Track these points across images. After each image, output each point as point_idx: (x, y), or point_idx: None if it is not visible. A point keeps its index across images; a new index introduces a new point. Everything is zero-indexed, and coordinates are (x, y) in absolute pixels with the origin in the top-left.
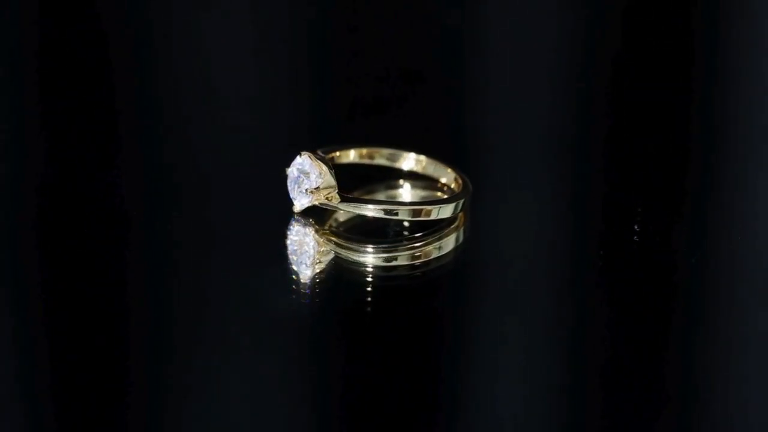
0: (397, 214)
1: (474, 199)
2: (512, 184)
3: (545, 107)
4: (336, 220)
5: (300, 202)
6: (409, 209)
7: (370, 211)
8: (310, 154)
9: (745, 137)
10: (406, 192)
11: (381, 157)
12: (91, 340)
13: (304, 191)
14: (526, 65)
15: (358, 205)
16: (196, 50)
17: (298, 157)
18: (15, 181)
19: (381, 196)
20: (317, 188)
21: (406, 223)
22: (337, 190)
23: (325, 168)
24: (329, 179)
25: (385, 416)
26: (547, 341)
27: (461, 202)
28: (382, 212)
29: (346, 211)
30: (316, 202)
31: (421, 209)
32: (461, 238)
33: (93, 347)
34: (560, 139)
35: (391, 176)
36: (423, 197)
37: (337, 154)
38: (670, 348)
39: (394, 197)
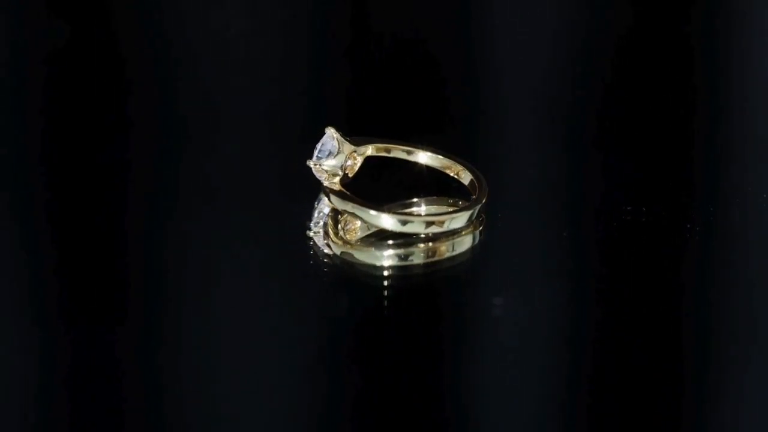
0: (411, 224)
1: (491, 198)
2: (529, 183)
3: (566, 105)
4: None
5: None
6: (422, 221)
7: (385, 221)
8: (335, 130)
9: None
10: (421, 210)
11: (398, 151)
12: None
13: (311, 163)
14: (542, 60)
15: (370, 213)
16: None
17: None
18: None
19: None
20: (320, 164)
21: (423, 236)
22: (339, 178)
23: (344, 148)
24: (334, 162)
25: (395, 416)
26: (559, 342)
27: (475, 210)
28: (399, 223)
29: (354, 219)
30: (320, 178)
31: (434, 220)
32: (477, 239)
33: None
34: (580, 137)
35: (407, 184)
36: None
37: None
38: (680, 348)
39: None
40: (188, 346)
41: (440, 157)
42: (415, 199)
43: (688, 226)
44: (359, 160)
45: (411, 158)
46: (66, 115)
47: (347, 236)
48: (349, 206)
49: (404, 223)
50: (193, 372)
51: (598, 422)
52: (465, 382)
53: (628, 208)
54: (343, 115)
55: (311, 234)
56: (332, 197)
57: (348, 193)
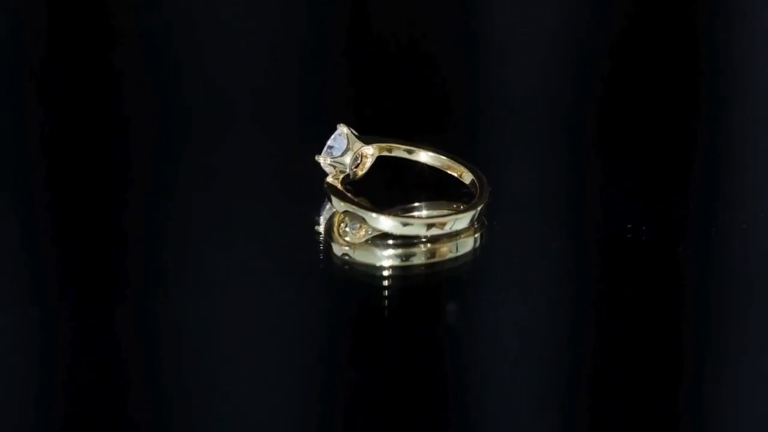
0: (412, 226)
1: (494, 200)
2: (529, 183)
3: (567, 105)
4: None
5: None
6: (423, 223)
7: (385, 223)
8: (346, 126)
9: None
10: (423, 214)
11: (399, 151)
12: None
13: (320, 158)
14: (543, 60)
15: (371, 215)
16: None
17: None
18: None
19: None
20: (329, 160)
21: (424, 238)
22: (345, 175)
23: (353, 146)
24: (343, 158)
25: (394, 417)
26: (559, 343)
27: (477, 212)
28: (400, 225)
29: (352, 224)
30: (329, 173)
31: (435, 222)
32: (479, 240)
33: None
34: (580, 137)
35: (409, 185)
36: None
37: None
38: (680, 350)
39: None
40: (188, 345)
41: (442, 157)
42: (416, 204)
43: (689, 226)
44: (370, 160)
45: (413, 157)
46: (66, 113)
47: (356, 236)
48: (349, 208)
49: (405, 225)
50: (193, 372)
51: (598, 423)
52: (465, 382)
53: (629, 208)
54: (343, 116)
55: (320, 229)
56: (333, 199)
57: (348, 195)
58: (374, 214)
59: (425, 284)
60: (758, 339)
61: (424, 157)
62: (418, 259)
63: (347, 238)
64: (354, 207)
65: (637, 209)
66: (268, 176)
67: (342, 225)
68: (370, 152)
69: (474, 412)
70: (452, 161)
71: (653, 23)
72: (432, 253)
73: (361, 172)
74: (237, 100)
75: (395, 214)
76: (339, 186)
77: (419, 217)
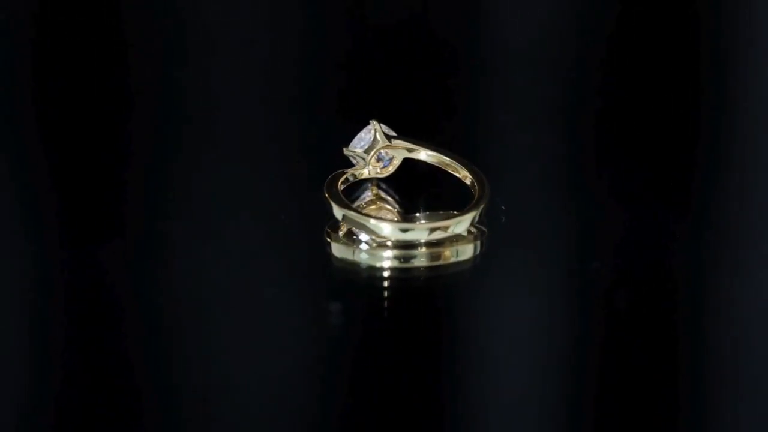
0: (412, 231)
1: (494, 201)
2: (533, 188)
3: (568, 105)
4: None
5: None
6: (425, 227)
7: (386, 229)
8: (377, 122)
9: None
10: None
11: (400, 149)
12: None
13: (347, 151)
14: (545, 61)
15: (371, 222)
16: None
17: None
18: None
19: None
20: (353, 153)
21: (422, 239)
22: (361, 169)
23: (376, 143)
24: (365, 154)
25: (395, 418)
26: (559, 346)
27: (478, 214)
28: (399, 231)
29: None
30: (349, 155)
31: (437, 226)
32: (480, 247)
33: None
34: (582, 137)
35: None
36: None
37: None
38: (683, 357)
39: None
40: (188, 345)
41: (443, 156)
42: (417, 214)
43: (692, 226)
44: (398, 160)
45: (413, 156)
46: (68, 113)
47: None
48: (348, 214)
49: (405, 231)
50: (192, 372)
51: (599, 425)
52: (465, 384)
53: (629, 208)
54: (342, 115)
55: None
56: (333, 205)
57: (348, 201)
58: (373, 221)
59: (426, 287)
60: (758, 341)
61: (425, 155)
62: (419, 262)
63: (379, 238)
64: (353, 213)
65: (637, 209)
66: (269, 177)
67: (343, 226)
68: (397, 153)
69: (473, 413)
70: (453, 161)
71: (653, 23)
72: (433, 256)
73: (386, 173)
74: (237, 99)
75: (395, 220)
76: (339, 192)
77: (420, 223)
